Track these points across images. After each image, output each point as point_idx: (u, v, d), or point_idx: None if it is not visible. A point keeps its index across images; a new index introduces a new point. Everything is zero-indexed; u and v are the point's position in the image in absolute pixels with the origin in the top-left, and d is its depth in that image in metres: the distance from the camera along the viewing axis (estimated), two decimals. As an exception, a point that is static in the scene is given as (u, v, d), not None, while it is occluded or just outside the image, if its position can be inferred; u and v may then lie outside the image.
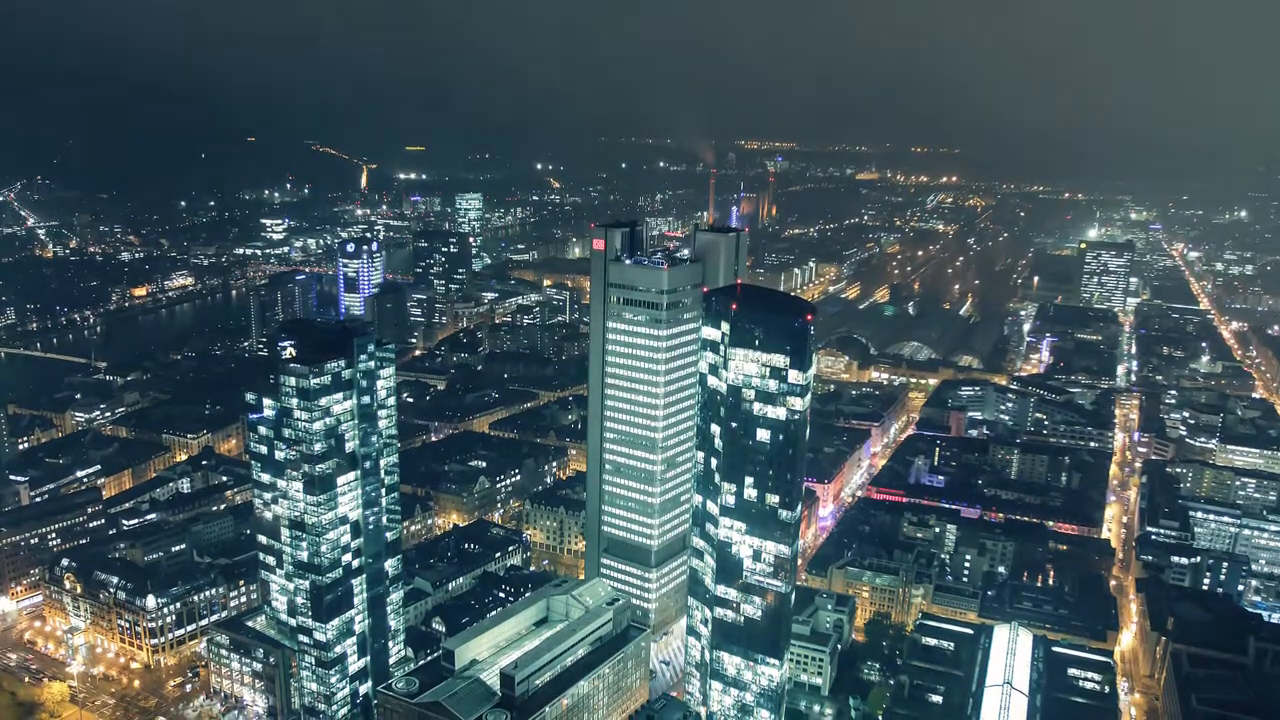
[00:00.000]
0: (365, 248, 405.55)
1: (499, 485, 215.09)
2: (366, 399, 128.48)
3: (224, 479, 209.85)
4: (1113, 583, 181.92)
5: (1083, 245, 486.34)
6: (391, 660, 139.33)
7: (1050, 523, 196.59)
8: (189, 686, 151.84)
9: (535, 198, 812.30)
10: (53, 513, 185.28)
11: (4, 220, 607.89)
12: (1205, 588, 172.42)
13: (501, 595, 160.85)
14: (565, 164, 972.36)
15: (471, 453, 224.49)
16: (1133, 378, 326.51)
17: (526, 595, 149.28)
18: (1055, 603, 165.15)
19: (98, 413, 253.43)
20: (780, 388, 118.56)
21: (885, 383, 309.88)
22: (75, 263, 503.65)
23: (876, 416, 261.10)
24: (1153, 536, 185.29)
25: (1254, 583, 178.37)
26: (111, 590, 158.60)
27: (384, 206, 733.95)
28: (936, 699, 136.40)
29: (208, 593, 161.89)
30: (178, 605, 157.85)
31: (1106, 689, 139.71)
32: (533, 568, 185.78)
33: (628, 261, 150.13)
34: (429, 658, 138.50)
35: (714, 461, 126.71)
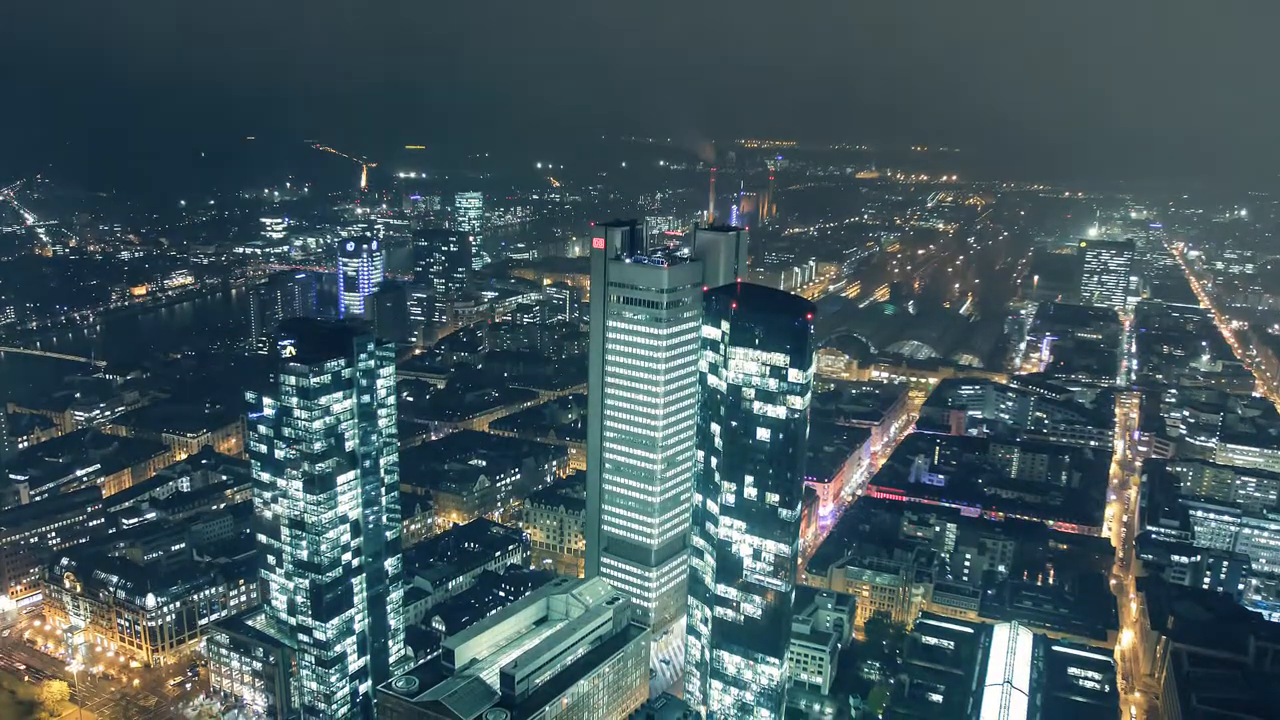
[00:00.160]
0: (365, 247, 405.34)
1: (499, 484, 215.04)
2: (366, 398, 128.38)
3: (224, 478, 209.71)
4: (1113, 582, 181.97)
5: (1083, 244, 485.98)
6: (391, 659, 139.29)
7: (1050, 522, 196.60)
8: (189, 685, 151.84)
9: (535, 196, 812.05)
10: (52, 512, 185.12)
11: (4, 219, 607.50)
12: (1205, 587, 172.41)
13: (501, 594, 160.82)
14: (565, 163, 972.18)
15: (471, 452, 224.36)
16: (1133, 377, 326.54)
17: (526, 594, 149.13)
18: (1055, 602, 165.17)
19: (97, 412, 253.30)
20: (780, 386, 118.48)
21: (885, 382, 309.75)
22: (75, 262, 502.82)
23: (876, 415, 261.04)
24: (1153, 535, 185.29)
25: (1254, 582, 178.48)
26: (111, 589, 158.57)
27: (384, 205, 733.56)
28: (937, 698, 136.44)
29: (207, 592, 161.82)
30: (177, 604, 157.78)
31: (1106, 688, 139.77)
32: (533, 567, 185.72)
33: (628, 260, 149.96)
34: (429, 657, 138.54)
35: (714, 460, 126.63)
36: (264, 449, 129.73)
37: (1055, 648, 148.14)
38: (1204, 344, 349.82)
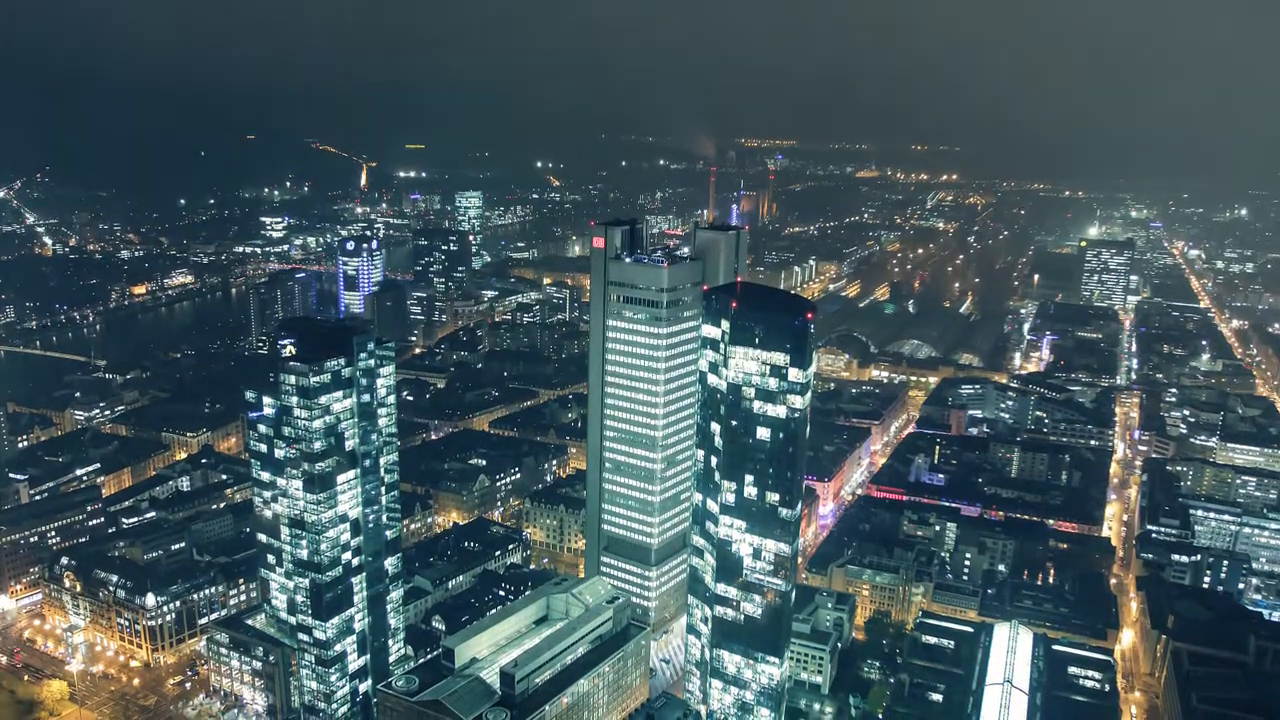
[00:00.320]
0: (365, 246, 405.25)
1: (499, 483, 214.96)
2: (366, 397, 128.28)
3: (224, 477, 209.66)
4: (1113, 581, 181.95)
5: (1083, 243, 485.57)
6: (391, 658, 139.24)
7: (1050, 521, 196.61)
8: (188, 685, 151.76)
9: (535, 196, 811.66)
10: (52, 511, 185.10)
11: (4, 218, 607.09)
12: (1206, 586, 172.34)
13: (501, 593, 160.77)
14: (565, 162, 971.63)
15: (471, 451, 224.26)
16: (1133, 376, 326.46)
17: (526, 593, 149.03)
18: (1055, 601, 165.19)
19: (97, 411, 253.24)
20: (780, 386, 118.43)
21: (885, 381, 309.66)
22: (75, 261, 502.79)
23: (876, 415, 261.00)
24: (1153, 535, 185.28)
25: (1254, 581, 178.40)
26: (111, 588, 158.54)
27: (384, 204, 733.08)
28: (937, 697, 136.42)
29: (207, 591, 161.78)
30: (177, 603, 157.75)
31: (1107, 687, 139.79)
32: (532, 566, 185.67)
33: (628, 259, 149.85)
34: (429, 656, 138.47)
35: (714, 460, 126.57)
36: (264, 448, 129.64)
37: (1055, 647, 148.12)
38: (1204, 343, 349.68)
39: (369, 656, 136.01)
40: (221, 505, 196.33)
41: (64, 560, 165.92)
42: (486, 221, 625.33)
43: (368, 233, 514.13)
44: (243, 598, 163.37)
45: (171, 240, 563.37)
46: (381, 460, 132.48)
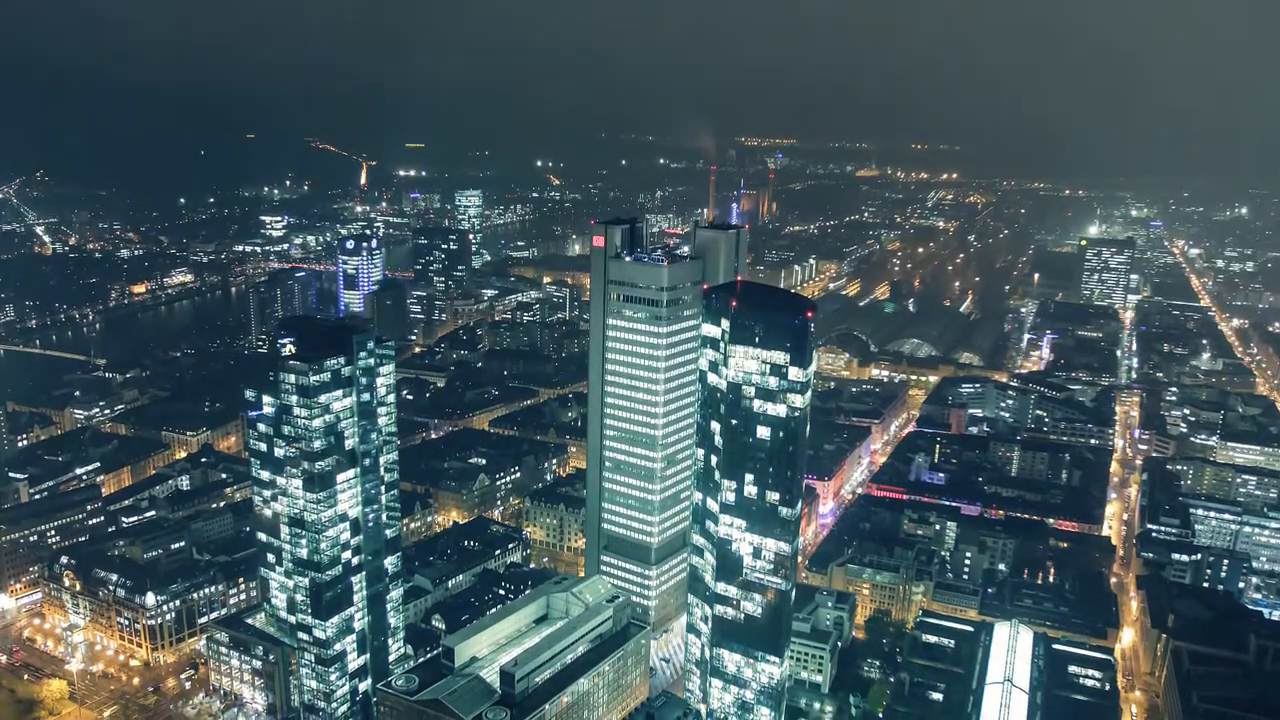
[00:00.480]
0: (365, 245, 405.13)
1: (499, 482, 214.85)
2: (366, 396, 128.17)
3: (223, 476, 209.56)
4: (1113, 580, 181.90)
5: (1083, 242, 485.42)
6: (391, 658, 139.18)
7: (1051, 520, 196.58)
8: (188, 684, 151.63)
9: (535, 194, 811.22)
10: (52, 510, 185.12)
11: (3, 217, 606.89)
12: (1206, 585, 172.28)
13: (501, 593, 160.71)
14: (565, 161, 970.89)
15: (471, 450, 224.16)
16: (1133, 375, 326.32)
17: (526, 592, 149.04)
18: (1056, 600, 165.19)
19: (97, 410, 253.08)
20: (780, 385, 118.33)
21: (885, 380, 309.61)
22: (74, 260, 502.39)
23: (877, 414, 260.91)
24: (1153, 534, 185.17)
25: (1254, 580, 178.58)
26: (111, 588, 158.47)
27: (384, 203, 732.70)
28: (937, 696, 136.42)
29: (207, 590, 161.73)
30: (177, 603, 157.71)
31: (1107, 686, 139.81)
32: (532, 565, 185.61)
33: (628, 258, 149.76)
34: (428, 655, 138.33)
35: (714, 459, 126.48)
36: (264, 447, 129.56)
37: (1056, 646, 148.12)
38: (1204, 342, 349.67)
39: (369, 655, 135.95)
40: (221, 504, 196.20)
41: (64, 559, 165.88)
42: (486, 220, 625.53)
43: (367, 231, 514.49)
44: (242, 597, 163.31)
45: (171, 239, 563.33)
46: (381, 459, 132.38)
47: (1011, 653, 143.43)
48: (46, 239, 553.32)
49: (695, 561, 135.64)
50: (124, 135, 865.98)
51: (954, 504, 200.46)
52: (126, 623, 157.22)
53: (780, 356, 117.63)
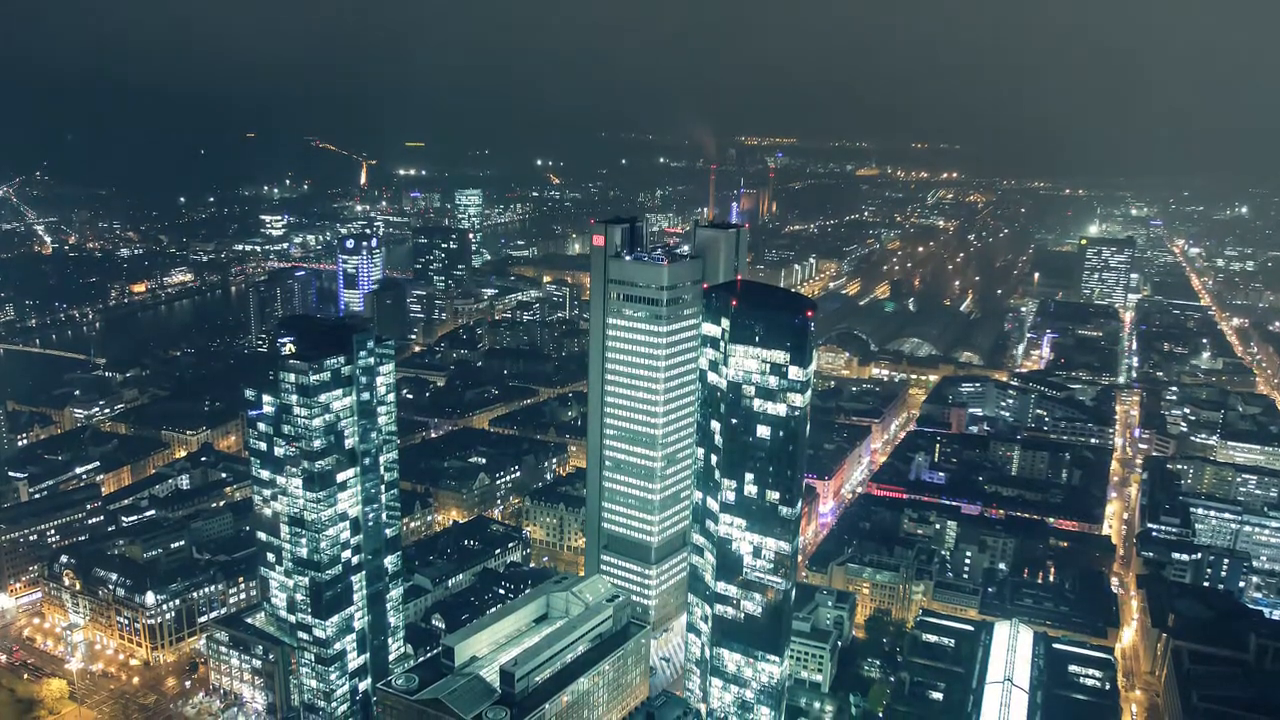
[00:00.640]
0: (365, 244, 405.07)
1: (499, 482, 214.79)
2: (366, 395, 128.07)
3: (223, 475, 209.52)
4: (1113, 579, 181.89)
5: (1083, 241, 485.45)
6: (391, 657, 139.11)
7: (1051, 519, 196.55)
8: (188, 683, 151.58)
9: (535, 194, 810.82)
10: (52, 509, 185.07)
11: (3, 216, 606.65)
12: (1206, 584, 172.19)
13: (501, 592, 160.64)
14: (565, 160, 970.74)
15: (471, 449, 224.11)
16: (1133, 374, 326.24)
17: (526, 592, 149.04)
18: (1056, 599, 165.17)
19: (97, 409, 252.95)
20: (780, 384, 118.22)
21: (886, 379, 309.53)
22: (74, 259, 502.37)
23: (877, 413, 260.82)
24: (1153, 533, 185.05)
25: (1255, 579, 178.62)
26: (110, 587, 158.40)
27: (384, 202, 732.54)
28: (937, 696, 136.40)
29: (207, 589, 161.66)
30: (177, 602, 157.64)
31: (1107, 686, 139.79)
32: (532, 564, 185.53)
33: (628, 258, 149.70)
34: (428, 654, 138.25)
35: (714, 458, 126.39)
36: (264, 446, 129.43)
37: (1056, 645, 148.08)
38: (1205, 341, 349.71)
39: (368, 655, 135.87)
40: (221, 503, 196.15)
41: (63, 558, 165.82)
42: (486, 219, 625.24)
43: (367, 231, 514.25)
44: (242, 596, 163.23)
45: (171, 238, 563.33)
46: (381, 458, 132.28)
47: (1012, 652, 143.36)
48: (46, 238, 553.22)
49: (695, 561, 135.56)
50: (124, 134, 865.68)
51: (954, 503, 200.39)
52: (126, 622, 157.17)
53: (780, 355, 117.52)
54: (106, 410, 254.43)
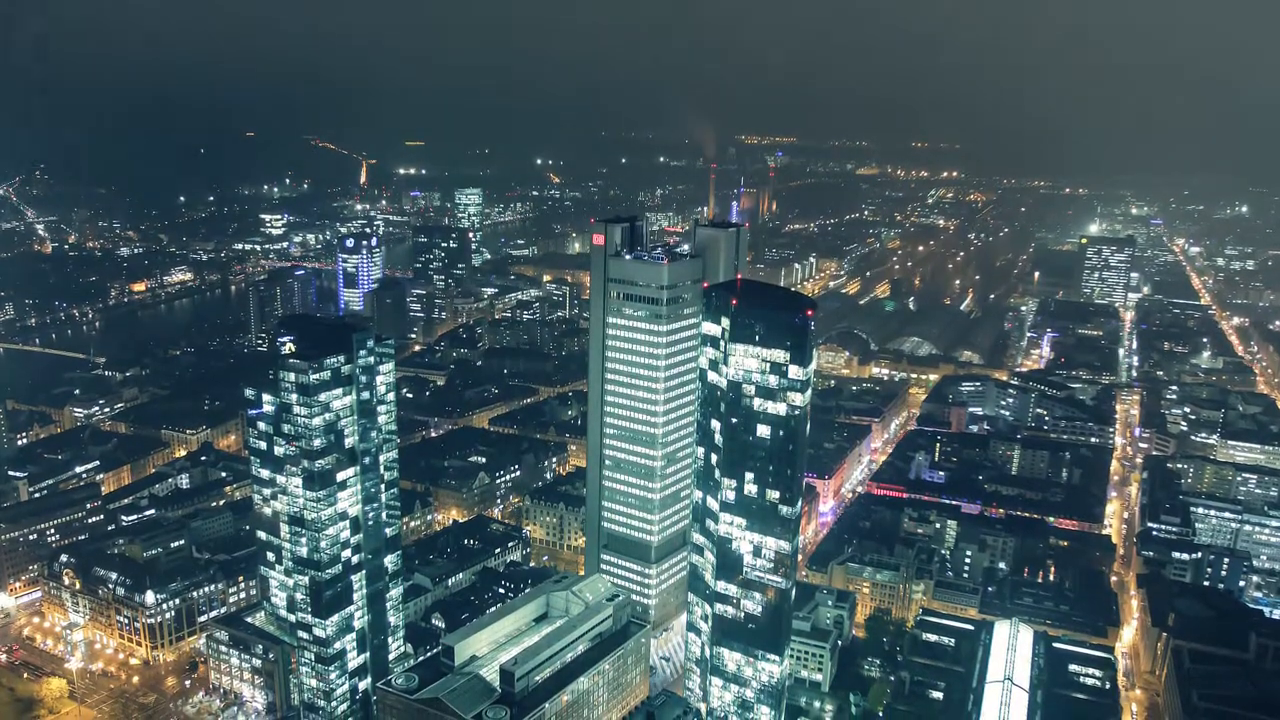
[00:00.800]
0: (365, 243, 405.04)
1: (499, 481, 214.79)
2: (366, 394, 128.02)
3: (223, 475, 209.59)
4: (1114, 579, 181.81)
5: (1083, 240, 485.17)
6: (391, 656, 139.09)
7: (1051, 518, 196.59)
8: (188, 682, 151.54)
9: (535, 193, 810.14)
10: (51, 508, 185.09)
11: (3, 215, 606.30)
12: (1206, 584, 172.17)
13: (501, 591, 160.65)
14: (565, 159, 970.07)
15: (471, 448, 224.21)
16: (1134, 373, 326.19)
17: (526, 591, 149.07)
18: (1056, 599, 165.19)
19: (96, 408, 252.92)
20: (781, 383, 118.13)
21: (886, 378, 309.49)
22: (74, 258, 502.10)
23: (877, 412, 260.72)
24: (1154, 532, 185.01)
25: (1255, 578, 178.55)
26: (110, 586, 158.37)
27: (383, 202, 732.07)
28: (937, 695, 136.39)
29: (207, 589, 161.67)
30: (177, 601, 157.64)
31: (1107, 685, 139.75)
32: (532, 564, 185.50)
33: (628, 257, 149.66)
34: (428, 654, 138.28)
35: (714, 457, 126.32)
36: (263, 445, 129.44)
37: (1056, 645, 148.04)
38: (1205, 340, 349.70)
39: (368, 654, 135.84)
40: (221, 503, 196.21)
41: (63, 558, 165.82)
42: (486, 218, 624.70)
43: (367, 230, 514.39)
44: (242, 595, 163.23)
45: (171, 237, 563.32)
46: (381, 457, 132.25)
47: (1012, 651, 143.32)
48: (46, 237, 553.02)
49: (695, 560, 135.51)
50: (124, 133, 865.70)
51: (954, 502, 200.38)
52: (126, 621, 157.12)
53: (780, 355, 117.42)
54: (106, 409, 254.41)
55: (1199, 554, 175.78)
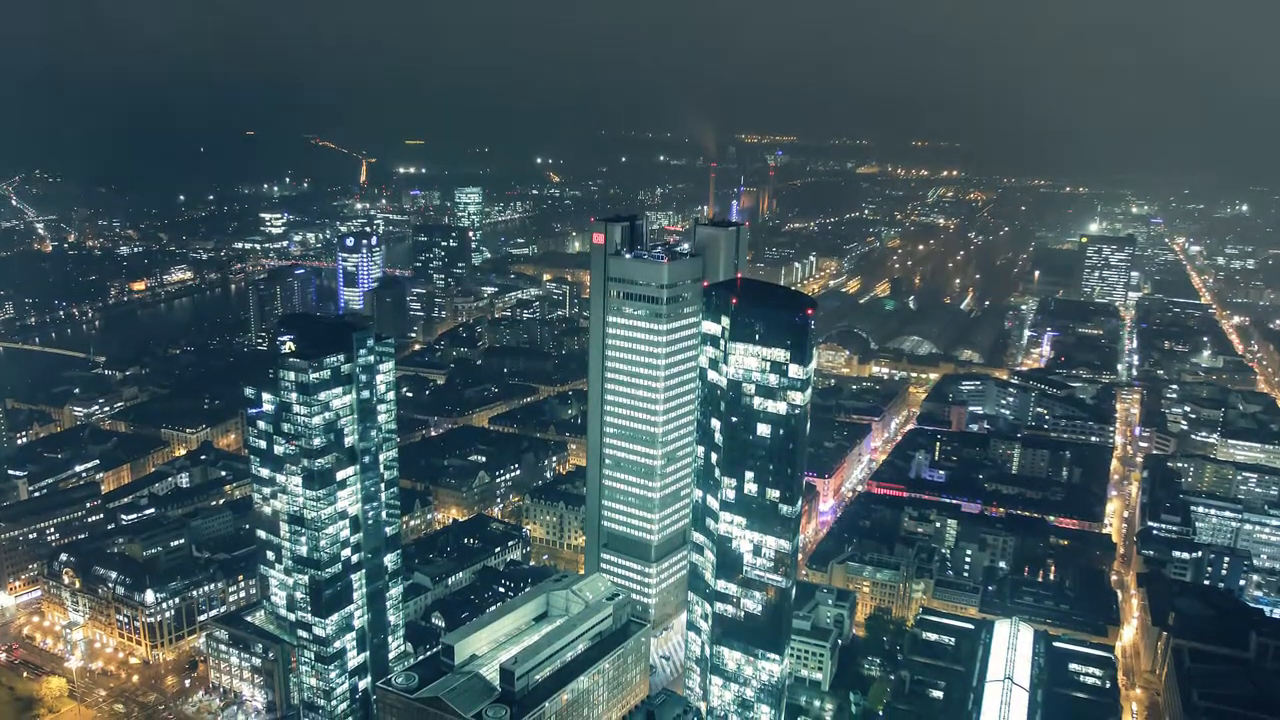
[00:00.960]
0: (364, 242, 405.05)
1: (498, 480, 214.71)
2: (366, 394, 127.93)
3: (223, 474, 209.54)
4: (1114, 578, 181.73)
5: (1084, 239, 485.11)
6: (391, 655, 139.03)
7: (1051, 518, 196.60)
8: (188, 681, 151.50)
9: (535, 192, 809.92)
10: (51, 507, 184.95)
11: (2, 214, 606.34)
12: (1206, 583, 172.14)
13: (501, 590, 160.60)
14: (565, 158, 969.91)
15: (471, 447, 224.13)
16: (1134, 372, 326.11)
17: (526, 590, 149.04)
18: (1056, 598, 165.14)
19: (96, 407, 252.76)
20: (781, 382, 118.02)
21: (886, 377, 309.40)
22: (74, 257, 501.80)
23: (877, 411, 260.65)
24: (1154, 531, 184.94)
25: (1255, 578, 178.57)
26: (110, 585, 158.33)
27: (383, 200, 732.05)
28: (937, 694, 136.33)
29: (206, 588, 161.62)
30: (176, 600, 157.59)
31: (1107, 684, 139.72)
32: (532, 563, 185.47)
33: (628, 256, 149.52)
34: (428, 653, 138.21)
35: (714, 456, 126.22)
36: (263, 445, 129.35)
37: (1056, 644, 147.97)
38: (1205, 339, 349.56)
39: (368, 653, 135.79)
40: (221, 502, 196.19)
41: (63, 557, 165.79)
42: (486, 217, 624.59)
43: (367, 229, 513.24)
44: (242, 594, 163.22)
45: (171, 236, 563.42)
46: (381, 456, 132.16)
47: (1012, 650, 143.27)
48: (46, 236, 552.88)
49: (695, 559, 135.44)
50: (124, 132, 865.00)
51: (954, 501, 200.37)
52: (126, 620, 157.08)
53: (780, 354, 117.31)
54: (106, 408, 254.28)
55: (1199, 553, 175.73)
